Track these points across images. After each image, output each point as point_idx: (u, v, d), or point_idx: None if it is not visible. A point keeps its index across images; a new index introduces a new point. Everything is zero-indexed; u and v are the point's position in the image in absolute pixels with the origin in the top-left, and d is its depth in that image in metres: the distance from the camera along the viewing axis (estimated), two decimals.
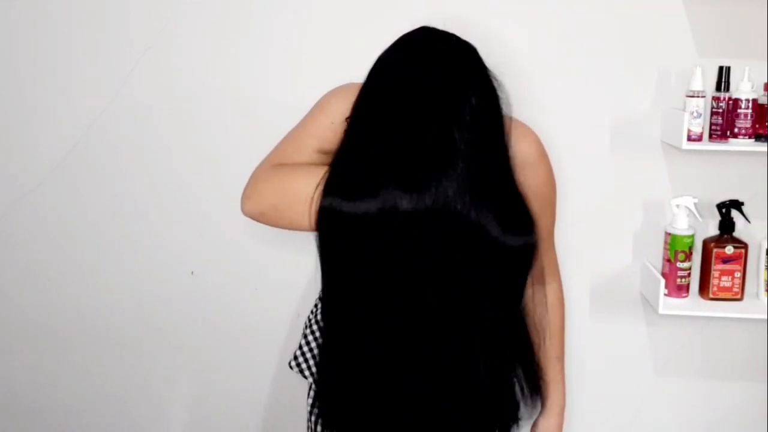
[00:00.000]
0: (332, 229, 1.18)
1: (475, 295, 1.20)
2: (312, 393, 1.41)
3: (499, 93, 1.21)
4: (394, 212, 1.14)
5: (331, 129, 1.25)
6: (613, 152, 1.68)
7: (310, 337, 1.39)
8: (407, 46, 1.23)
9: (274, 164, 1.26)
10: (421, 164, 1.14)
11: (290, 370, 1.41)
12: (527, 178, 1.26)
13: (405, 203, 1.14)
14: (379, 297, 1.18)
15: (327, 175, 1.19)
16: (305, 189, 1.19)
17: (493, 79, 1.21)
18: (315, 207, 1.18)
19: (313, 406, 1.41)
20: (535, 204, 1.27)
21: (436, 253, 1.17)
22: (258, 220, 1.25)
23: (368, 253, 1.17)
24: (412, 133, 1.15)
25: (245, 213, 1.25)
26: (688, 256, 1.60)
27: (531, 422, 1.48)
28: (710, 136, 1.57)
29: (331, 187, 1.18)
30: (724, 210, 1.62)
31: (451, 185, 1.15)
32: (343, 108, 1.24)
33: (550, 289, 1.44)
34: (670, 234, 1.61)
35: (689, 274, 1.61)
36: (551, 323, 1.44)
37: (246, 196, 1.25)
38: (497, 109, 1.20)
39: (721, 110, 1.55)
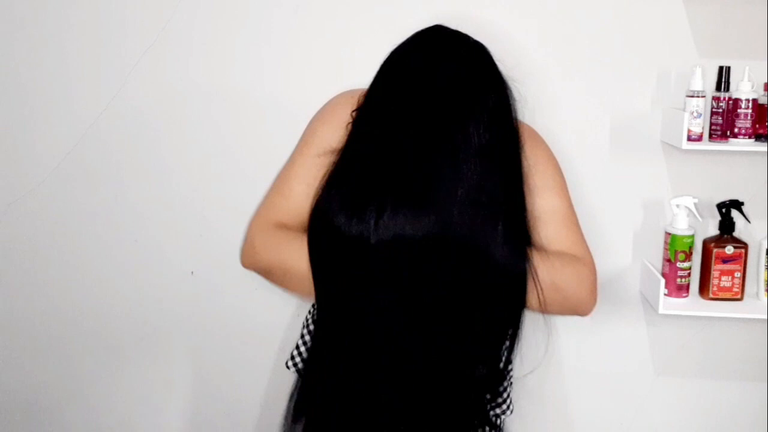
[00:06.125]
0: (326, 245, 1.18)
1: (466, 309, 1.20)
2: None
3: (512, 93, 1.21)
4: (391, 233, 1.14)
5: (318, 164, 1.25)
6: (613, 152, 1.68)
7: (308, 338, 1.39)
8: (423, 43, 1.22)
9: (271, 224, 1.28)
10: (427, 177, 1.14)
11: (287, 370, 1.41)
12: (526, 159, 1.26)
13: (407, 225, 1.14)
14: (369, 308, 1.19)
15: (325, 179, 1.19)
16: (299, 264, 1.22)
17: (506, 80, 1.21)
18: (310, 208, 1.20)
19: None
20: (536, 180, 1.28)
21: (432, 274, 1.17)
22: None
23: (362, 270, 1.17)
24: (424, 132, 1.14)
25: (244, 267, 1.35)
26: (688, 256, 1.60)
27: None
28: (710, 136, 1.57)
29: (326, 201, 1.19)
30: (724, 210, 1.62)
31: (455, 201, 1.15)
32: (329, 136, 1.24)
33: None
34: (670, 234, 1.61)
35: (689, 274, 1.61)
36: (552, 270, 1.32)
37: (244, 254, 1.32)
38: (511, 110, 1.21)
39: (721, 110, 1.55)
